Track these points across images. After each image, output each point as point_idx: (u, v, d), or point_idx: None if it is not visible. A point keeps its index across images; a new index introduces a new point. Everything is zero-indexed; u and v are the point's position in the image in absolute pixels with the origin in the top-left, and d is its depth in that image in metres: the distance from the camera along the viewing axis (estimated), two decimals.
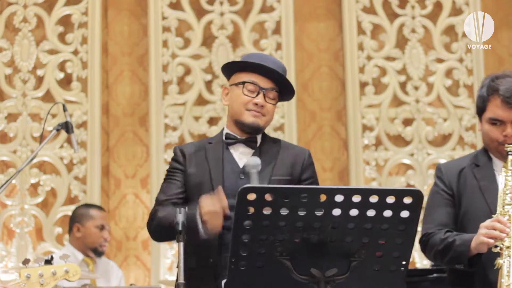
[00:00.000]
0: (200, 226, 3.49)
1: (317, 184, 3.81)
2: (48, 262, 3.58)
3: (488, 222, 3.65)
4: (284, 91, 3.82)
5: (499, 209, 3.71)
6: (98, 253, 6.27)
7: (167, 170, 3.84)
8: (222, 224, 3.49)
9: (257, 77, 3.75)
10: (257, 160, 3.61)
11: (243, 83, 3.75)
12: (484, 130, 3.90)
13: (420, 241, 3.94)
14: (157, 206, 3.73)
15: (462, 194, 3.89)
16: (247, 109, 3.73)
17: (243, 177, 3.68)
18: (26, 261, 3.48)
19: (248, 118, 3.73)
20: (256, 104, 3.72)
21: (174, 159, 3.82)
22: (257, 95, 3.73)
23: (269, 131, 6.74)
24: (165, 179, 3.82)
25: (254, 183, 3.51)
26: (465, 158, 4.05)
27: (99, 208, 6.46)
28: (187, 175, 3.73)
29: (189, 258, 3.58)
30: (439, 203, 3.91)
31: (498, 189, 3.78)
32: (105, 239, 6.28)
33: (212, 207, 3.48)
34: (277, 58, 4.10)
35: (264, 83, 3.75)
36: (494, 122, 3.84)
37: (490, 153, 3.94)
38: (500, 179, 3.79)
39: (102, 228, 6.28)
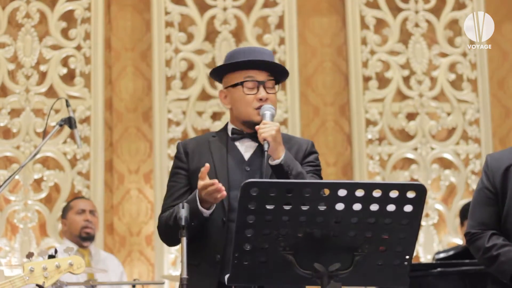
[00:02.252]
0: (199, 206, 3.50)
1: (319, 171, 3.80)
2: (52, 256, 3.58)
3: None
4: (278, 75, 3.81)
5: None
6: (84, 238, 6.26)
7: (172, 168, 3.83)
8: (223, 197, 3.50)
9: (251, 73, 3.73)
10: (271, 105, 3.68)
11: (242, 83, 3.74)
12: None
13: (465, 238, 3.87)
14: (163, 211, 3.74)
15: (506, 194, 3.76)
16: (255, 108, 3.72)
17: (248, 169, 3.68)
18: (30, 255, 3.48)
19: (257, 117, 3.69)
20: (260, 99, 3.71)
21: (176, 156, 3.81)
22: (258, 90, 3.73)
23: None
24: (169, 179, 3.82)
25: (267, 120, 3.60)
26: None
27: (81, 198, 6.55)
28: (191, 172, 3.71)
29: (194, 255, 3.59)
30: (482, 201, 3.81)
31: None
32: (86, 220, 6.29)
33: (205, 184, 3.48)
34: (264, 48, 4.08)
35: (260, 76, 3.73)
36: None
37: None
38: None
39: (82, 212, 6.33)
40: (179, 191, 3.68)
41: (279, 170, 3.56)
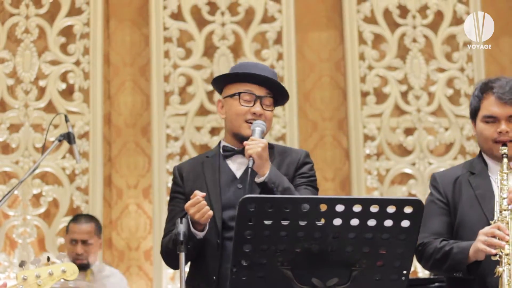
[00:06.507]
0: (192, 228, 3.54)
1: (314, 182, 3.81)
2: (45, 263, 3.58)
3: (487, 229, 3.59)
4: (278, 95, 3.83)
5: (496, 215, 3.66)
6: (78, 266, 6.09)
7: (170, 193, 3.88)
8: (209, 216, 3.53)
9: (251, 86, 3.76)
10: (263, 122, 3.70)
11: (239, 93, 3.76)
12: (479, 130, 3.88)
13: (416, 251, 3.82)
14: (164, 236, 3.78)
15: (458, 203, 3.82)
16: (246, 121, 3.74)
17: (240, 187, 3.69)
18: (22, 263, 3.48)
19: (246, 130, 3.73)
20: (254, 113, 3.73)
21: (173, 180, 3.87)
22: (253, 104, 3.75)
23: (270, 140, 6.75)
24: (168, 203, 3.87)
25: (256, 137, 3.63)
26: (460, 166, 4.01)
27: (81, 218, 6.32)
28: (187, 195, 3.73)
29: (191, 277, 3.61)
30: (434, 212, 3.85)
31: (495, 194, 3.74)
32: (77, 254, 6.09)
33: (191, 202, 3.52)
34: (268, 66, 4.12)
35: (259, 91, 3.75)
36: (488, 120, 3.83)
37: (485, 158, 3.89)
38: (496, 184, 3.75)
39: (75, 243, 6.13)
40: (178, 215, 3.70)
41: (265, 187, 3.58)
